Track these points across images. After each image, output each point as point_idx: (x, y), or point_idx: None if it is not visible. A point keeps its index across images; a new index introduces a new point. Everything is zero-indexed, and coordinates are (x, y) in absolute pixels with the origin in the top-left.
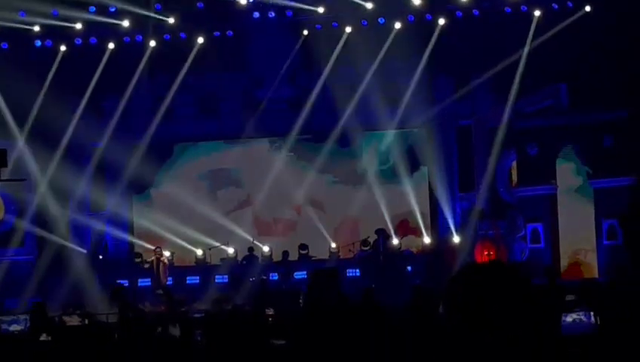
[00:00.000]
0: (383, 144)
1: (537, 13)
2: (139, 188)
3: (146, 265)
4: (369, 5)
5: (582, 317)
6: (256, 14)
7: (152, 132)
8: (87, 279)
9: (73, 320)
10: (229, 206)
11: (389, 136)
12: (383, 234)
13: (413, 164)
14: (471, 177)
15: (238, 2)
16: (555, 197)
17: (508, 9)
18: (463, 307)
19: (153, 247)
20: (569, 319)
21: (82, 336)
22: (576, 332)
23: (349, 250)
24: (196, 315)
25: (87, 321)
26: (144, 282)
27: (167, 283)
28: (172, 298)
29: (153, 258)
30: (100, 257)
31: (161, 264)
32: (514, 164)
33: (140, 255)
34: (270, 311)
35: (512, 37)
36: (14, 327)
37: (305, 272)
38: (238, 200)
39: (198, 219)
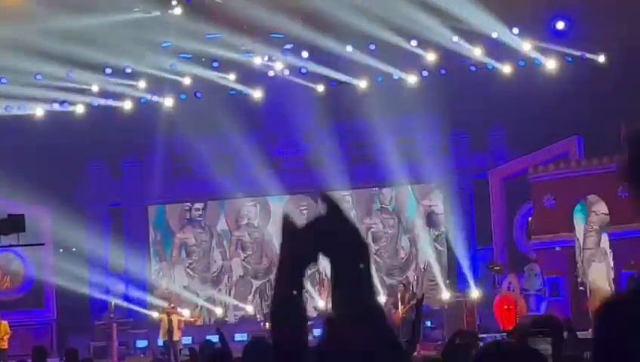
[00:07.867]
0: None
1: (551, 65)
2: (158, 249)
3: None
4: (385, 66)
5: None
6: (271, 73)
7: (170, 192)
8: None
9: None
10: (251, 265)
11: (406, 192)
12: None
13: (430, 219)
14: (488, 231)
15: (253, 63)
16: (574, 250)
17: (521, 62)
18: None
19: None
20: None
21: None
22: None
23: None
24: None
25: None
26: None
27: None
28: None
29: (164, 315)
30: (112, 316)
31: (174, 320)
32: (531, 216)
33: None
34: None
35: (526, 89)
36: None
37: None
38: (261, 260)
39: (219, 279)
